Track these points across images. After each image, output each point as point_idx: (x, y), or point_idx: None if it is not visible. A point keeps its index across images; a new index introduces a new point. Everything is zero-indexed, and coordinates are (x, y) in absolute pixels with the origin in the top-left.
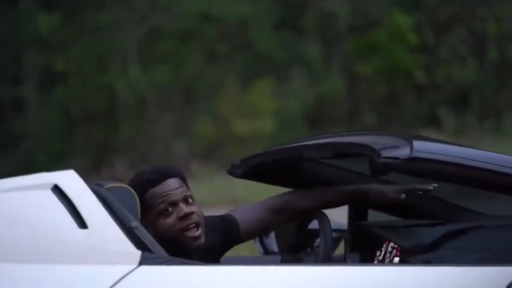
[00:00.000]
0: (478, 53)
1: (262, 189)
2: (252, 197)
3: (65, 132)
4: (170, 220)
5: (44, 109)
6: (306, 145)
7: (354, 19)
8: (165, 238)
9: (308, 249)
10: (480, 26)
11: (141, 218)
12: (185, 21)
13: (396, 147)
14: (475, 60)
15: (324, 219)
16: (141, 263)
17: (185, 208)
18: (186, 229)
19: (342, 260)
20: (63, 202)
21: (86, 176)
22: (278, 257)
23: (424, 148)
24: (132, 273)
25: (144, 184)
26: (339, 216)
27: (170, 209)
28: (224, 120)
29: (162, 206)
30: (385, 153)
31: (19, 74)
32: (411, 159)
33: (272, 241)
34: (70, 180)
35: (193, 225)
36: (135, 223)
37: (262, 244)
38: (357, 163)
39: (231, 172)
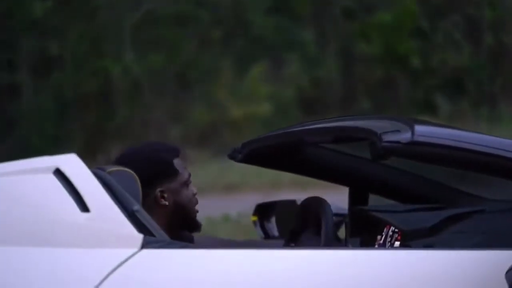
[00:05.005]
0: (473, 38)
1: (256, 175)
2: (246, 183)
3: (60, 117)
4: (189, 193)
5: (39, 94)
6: (307, 129)
7: (349, 2)
8: (185, 209)
9: (309, 234)
10: (475, 11)
11: (164, 185)
12: (180, 5)
13: (397, 131)
14: (470, 45)
15: (323, 204)
16: (143, 246)
17: (194, 188)
18: (195, 209)
19: (343, 244)
20: (64, 186)
21: (81, 160)
22: (279, 241)
23: (426, 132)
24: (134, 256)
25: (172, 151)
26: (339, 200)
27: (190, 182)
28: (219, 105)
29: (186, 175)
30: (387, 137)
31: (13, 59)
32: (413, 143)
33: (272, 225)
34: (72, 164)
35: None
36: (136, 207)
37: (263, 228)
38: (358, 147)
39: (232, 157)
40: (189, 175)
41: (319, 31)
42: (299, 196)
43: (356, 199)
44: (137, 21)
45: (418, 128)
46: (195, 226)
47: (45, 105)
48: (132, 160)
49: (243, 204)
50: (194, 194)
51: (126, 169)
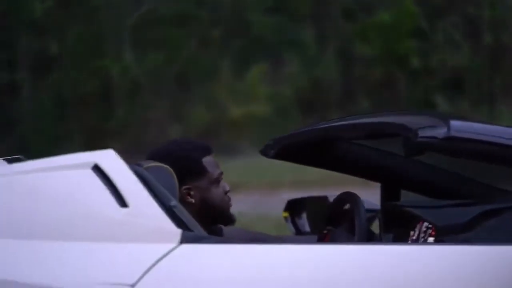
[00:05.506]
0: (473, 38)
1: (255, 175)
2: (246, 183)
3: (59, 116)
4: (220, 191)
5: (38, 94)
6: (341, 125)
7: (348, 3)
8: (214, 206)
9: (342, 229)
10: (475, 11)
11: (191, 183)
12: (180, 4)
13: (433, 126)
14: (470, 45)
15: (357, 199)
16: (182, 241)
17: (227, 185)
18: (229, 204)
19: (377, 240)
20: (103, 181)
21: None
22: (312, 237)
23: (462, 127)
24: (173, 251)
25: (202, 149)
26: (371, 196)
27: (221, 179)
28: (218, 105)
29: (217, 173)
30: (422, 133)
31: (13, 59)
32: (449, 138)
33: (304, 221)
34: (110, 160)
35: (231, 203)
36: (174, 202)
37: (294, 224)
38: (390, 143)
39: (264, 153)
40: (220, 173)
41: (319, 31)
42: (322, 193)
43: (388, 195)
44: (136, 20)
45: (454, 123)
46: (228, 220)
47: (44, 105)
48: (161, 157)
49: (243, 204)
50: (226, 192)
51: (163, 164)
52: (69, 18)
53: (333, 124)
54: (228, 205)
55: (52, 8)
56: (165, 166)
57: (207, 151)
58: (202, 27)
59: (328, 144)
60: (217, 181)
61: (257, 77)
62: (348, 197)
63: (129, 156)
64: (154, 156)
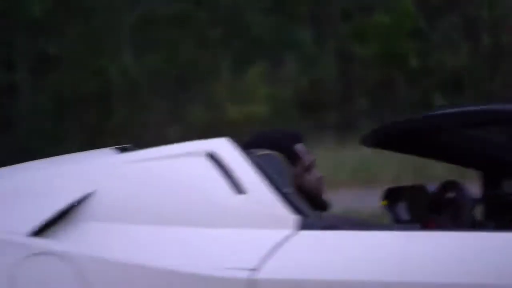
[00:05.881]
0: (471, 38)
1: None
2: None
3: (58, 116)
4: (313, 177)
5: (38, 94)
6: (443, 114)
7: (347, 3)
8: (310, 194)
9: (445, 217)
10: (473, 11)
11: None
12: (179, 5)
13: None
14: (468, 45)
15: (462, 188)
16: (298, 227)
17: (318, 172)
18: (324, 190)
19: (481, 227)
20: (217, 169)
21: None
22: (413, 225)
23: None
24: (290, 237)
25: (293, 137)
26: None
27: (314, 166)
28: (217, 106)
29: (309, 160)
30: None
31: (12, 59)
32: None
33: (403, 209)
34: (225, 148)
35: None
36: (289, 189)
37: (393, 212)
38: (490, 131)
39: (364, 142)
40: (313, 160)
41: (317, 32)
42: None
43: (489, 183)
44: (136, 21)
45: None
46: (323, 206)
47: (43, 105)
48: (256, 147)
49: None
50: (319, 178)
51: (275, 152)
52: (69, 18)
53: (436, 113)
54: (322, 191)
55: (51, 8)
56: (276, 153)
57: (298, 138)
58: (201, 28)
59: (432, 133)
60: (310, 167)
61: (256, 77)
62: (452, 185)
63: None
64: (248, 147)
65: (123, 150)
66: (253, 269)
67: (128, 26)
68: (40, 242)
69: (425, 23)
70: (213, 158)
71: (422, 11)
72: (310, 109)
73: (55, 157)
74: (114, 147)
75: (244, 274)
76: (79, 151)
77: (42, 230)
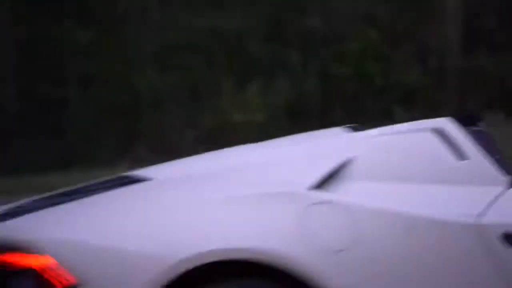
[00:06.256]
0: (422, 61)
1: None
2: None
3: (99, 124)
4: None
5: (84, 106)
6: None
7: (327, 33)
8: None
9: None
10: (424, 40)
11: None
12: (193, 35)
13: None
14: (420, 67)
15: None
16: (508, 186)
17: None
18: None
19: None
20: (444, 141)
21: (115, 158)
22: None
23: None
24: (502, 193)
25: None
26: None
27: None
28: (224, 113)
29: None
30: None
31: (64, 77)
32: None
33: None
34: (449, 125)
35: None
36: (499, 156)
37: None
38: None
39: None
40: None
41: (303, 55)
42: None
43: None
44: (160, 47)
45: None
46: None
47: (88, 114)
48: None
49: None
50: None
51: (483, 128)
52: (107, 44)
53: None
54: None
55: (94, 36)
56: (484, 129)
57: (478, 119)
58: (211, 52)
59: None
60: None
61: (255, 91)
62: None
63: (154, 154)
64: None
65: (354, 128)
66: (479, 215)
67: (153, 51)
68: (319, 194)
69: (387, 49)
70: (439, 132)
71: (385, 40)
72: (297, 117)
73: (285, 138)
74: (345, 126)
75: (471, 219)
76: (113, 151)
77: (319, 185)
